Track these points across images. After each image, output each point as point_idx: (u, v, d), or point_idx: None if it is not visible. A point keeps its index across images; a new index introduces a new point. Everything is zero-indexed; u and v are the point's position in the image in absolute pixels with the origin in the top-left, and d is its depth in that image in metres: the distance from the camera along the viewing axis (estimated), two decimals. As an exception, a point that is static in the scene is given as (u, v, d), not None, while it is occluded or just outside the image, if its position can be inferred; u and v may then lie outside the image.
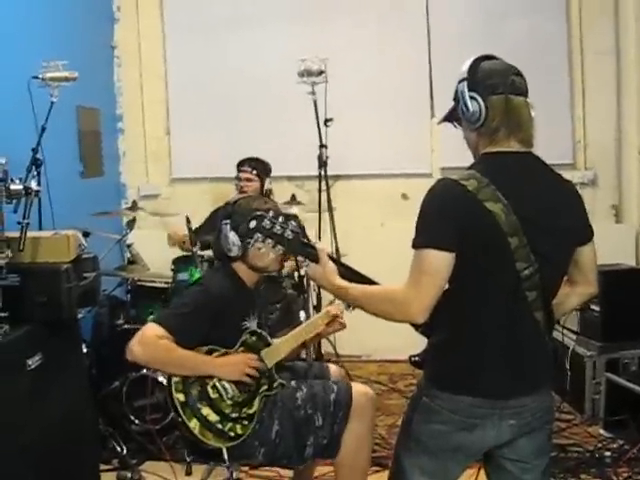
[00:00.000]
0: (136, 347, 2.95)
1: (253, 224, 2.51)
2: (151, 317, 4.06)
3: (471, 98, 2.25)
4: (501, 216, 2.14)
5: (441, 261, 2.14)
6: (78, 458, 3.60)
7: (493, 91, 2.24)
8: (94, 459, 3.86)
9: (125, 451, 4.20)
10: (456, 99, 2.35)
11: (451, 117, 2.44)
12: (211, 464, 3.29)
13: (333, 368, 3.57)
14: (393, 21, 6.28)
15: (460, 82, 2.29)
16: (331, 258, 2.54)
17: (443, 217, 2.16)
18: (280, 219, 2.52)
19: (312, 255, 2.53)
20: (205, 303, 3.05)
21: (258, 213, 2.55)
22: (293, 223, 2.66)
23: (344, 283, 2.42)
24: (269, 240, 2.52)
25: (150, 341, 2.93)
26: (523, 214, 2.15)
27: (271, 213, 2.60)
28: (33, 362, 3.25)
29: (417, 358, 2.44)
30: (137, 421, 4.42)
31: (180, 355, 2.95)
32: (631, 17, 6.00)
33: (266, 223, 2.50)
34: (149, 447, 4.24)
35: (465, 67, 2.29)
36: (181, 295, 3.30)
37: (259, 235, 2.52)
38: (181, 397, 2.96)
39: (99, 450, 4.04)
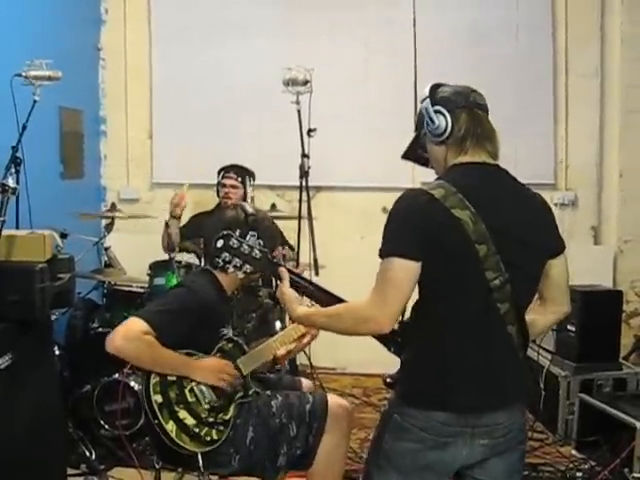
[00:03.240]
0: (119, 340, 2.92)
1: (220, 243, 2.51)
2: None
3: (436, 112, 2.29)
4: (468, 223, 2.13)
5: (406, 270, 2.13)
6: (46, 461, 3.55)
7: (457, 105, 2.29)
8: (62, 463, 3.81)
9: (94, 456, 4.14)
10: (418, 123, 2.40)
11: (413, 150, 2.48)
12: (180, 471, 3.25)
13: (304, 381, 3.56)
14: (380, 35, 6.31)
15: (422, 102, 2.35)
16: (295, 274, 2.56)
17: (409, 225, 2.16)
18: (247, 237, 2.53)
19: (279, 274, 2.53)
20: (190, 305, 3.04)
21: (225, 232, 2.54)
22: (261, 242, 2.65)
23: (305, 311, 2.44)
24: (236, 259, 2.51)
25: (134, 336, 2.91)
26: (492, 223, 2.15)
27: (238, 232, 2.59)
28: (3, 362, 3.21)
29: (391, 379, 2.42)
30: (107, 426, 4.38)
31: (162, 353, 2.94)
32: (616, 41, 6.07)
33: (233, 242, 2.50)
34: (118, 453, 4.18)
35: (426, 90, 2.35)
36: (166, 294, 3.27)
37: (226, 254, 2.52)
38: (159, 398, 2.94)
39: (67, 454, 3.99)
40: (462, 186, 2.17)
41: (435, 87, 2.36)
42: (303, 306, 2.48)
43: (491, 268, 2.16)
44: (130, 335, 2.93)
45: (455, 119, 2.28)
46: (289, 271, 2.55)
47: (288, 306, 2.48)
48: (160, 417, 2.92)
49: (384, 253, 2.17)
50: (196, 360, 3.04)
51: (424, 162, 2.48)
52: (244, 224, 3.09)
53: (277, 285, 4.90)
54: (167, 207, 6.17)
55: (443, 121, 2.28)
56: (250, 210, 3.18)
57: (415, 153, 2.49)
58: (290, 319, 2.55)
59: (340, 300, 2.44)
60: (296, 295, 2.48)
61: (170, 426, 2.91)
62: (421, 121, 2.38)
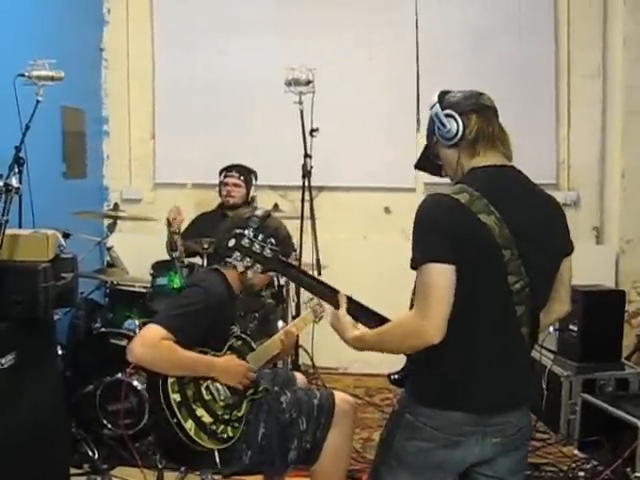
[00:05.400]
0: (138, 349, 2.91)
1: (232, 242, 2.51)
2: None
3: (446, 116, 2.31)
4: (495, 228, 2.13)
5: (444, 274, 2.11)
6: (49, 461, 3.55)
7: (467, 108, 2.32)
8: (65, 462, 3.81)
9: (96, 455, 4.14)
10: (429, 130, 2.43)
11: (426, 158, 2.49)
12: (182, 470, 3.26)
13: (298, 376, 3.59)
14: (383, 36, 6.30)
15: (432, 107, 2.36)
16: (354, 302, 2.48)
17: (438, 230, 2.14)
18: (260, 237, 2.54)
19: (292, 275, 2.52)
20: (205, 304, 3.03)
21: (237, 231, 2.55)
22: (272, 241, 2.66)
23: (356, 334, 2.38)
24: (248, 258, 2.52)
25: (152, 343, 2.90)
26: (515, 228, 2.16)
27: (249, 231, 2.61)
28: (6, 361, 3.22)
29: (397, 376, 2.41)
30: (110, 426, 4.38)
31: (182, 357, 2.93)
32: (619, 41, 6.06)
33: (245, 242, 2.50)
34: (121, 452, 4.18)
35: (434, 97, 2.38)
36: (179, 296, 3.27)
37: (238, 253, 2.52)
38: (177, 397, 2.93)
39: (70, 453, 3.99)
40: (484, 190, 2.18)
41: (444, 93, 2.39)
42: (357, 330, 2.41)
43: (513, 272, 2.16)
44: (148, 343, 2.91)
45: (466, 121, 2.30)
46: (348, 298, 2.48)
47: (342, 330, 2.40)
48: (179, 416, 2.90)
49: (417, 262, 2.15)
50: (218, 361, 3.06)
51: (437, 171, 2.49)
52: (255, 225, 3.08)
53: (279, 285, 4.97)
54: (169, 207, 6.18)
55: (454, 124, 2.30)
56: (263, 213, 3.16)
57: (428, 161, 2.49)
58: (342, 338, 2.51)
59: (376, 314, 2.43)
60: (352, 321, 2.42)
61: (189, 425, 2.91)
62: (431, 128, 2.40)
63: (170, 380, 2.95)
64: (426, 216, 2.19)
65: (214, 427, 2.96)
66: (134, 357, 2.92)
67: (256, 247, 2.51)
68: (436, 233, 2.14)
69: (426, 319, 2.11)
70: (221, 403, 3.02)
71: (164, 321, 2.97)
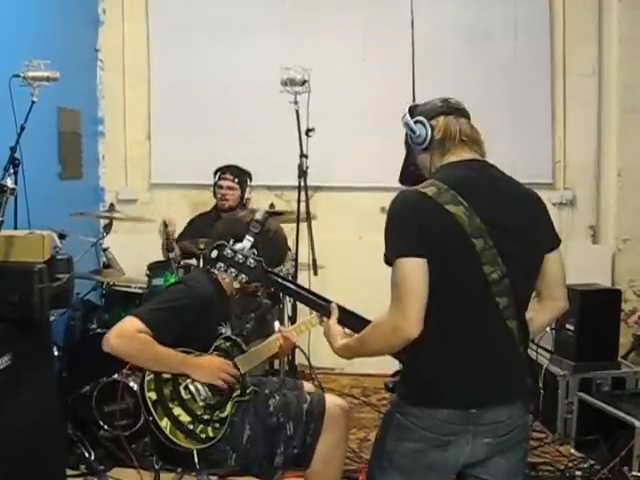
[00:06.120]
0: (114, 339, 2.92)
1: (215, 253, 2.52)
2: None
3: (416, 122, 2.39)
4: (463, 218, 2.16)
5: (415, 268, 2.14)
6: (45, 462, 3.54)
7: (435, 112, 2.39)
8: (61, 464, 3.81)
9: (93, 457, 4.14)
10: (405, 140, 2.50)
11: (406, 168, 2.58)
12: (179, 471, 3.25)
13: (306, 385, 3.55)
14: (378, 35, 6.30)
15: (403, 118, 2.44)
16: (345, 310, 2.57)
17: (407, 225, 2.19)
18: (242, 244, 2.55)
19: (277, 284, 2.54)
20: (188, 302, 3.03)
21: (219, 242, 2.55)
22: (255, 251, 2.66)
23: (342, 342, 2.46)
24: (232, 269, 2.53)
25: (128, 334, 2.92)
26: (487, 218, 2.18)
27: (232, 242, 2.61)
28: (2, 362, 3.20)
29: (392, 384, 2.44)
30: (106, 427, 4.37)
31: (157, 351, 2.93)
32: (614, 40, 6.09)
33: (227, 252, 2.51)
34: (117, 453, 4.17)
35: (405, 109, 2.47)
36: (163, 292, 3.27)
37: (221, 264, 2.53)
38: (153, 395, 2.93)
39: (66, 455, 3.99)
40: (453, 182, 2.22)
41: (413, 106, 2.47)
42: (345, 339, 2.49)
43: (488, 262, 2.17)
44: (124, 334, 2.93)
45: (434, 124, 2.36)
46: (340, 308, 2.57)
47: (332, 340, 2.50)
48: (155, 414, 2.91)
49: (389, 257, 2.19)
50: (194, 358, 3.04)
51: (420, 182, 2.51)
52: (246, 230, 3.03)
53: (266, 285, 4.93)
54: (165, 207, 6.18)
55: (423, 129, 2.37)
56: (262, 217, 3.06)
57: (408, 172, 2.56)
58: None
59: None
60: (341, 331, 2.51)
61: (164, 423, 2.90)
62: (405, 138, 2.48)
63: (147, 378, 2.96)
64: (395, 211, 2.24)
65: (192, 426, 2.94)
66: (109, 346, 2.93)
67: (239, 257, 2.52)
68: (405, 228, 2.19)
69: (401, 314, 2.14)
70: (201, 403, 3.00)
71: (143, 314, 2.99)
